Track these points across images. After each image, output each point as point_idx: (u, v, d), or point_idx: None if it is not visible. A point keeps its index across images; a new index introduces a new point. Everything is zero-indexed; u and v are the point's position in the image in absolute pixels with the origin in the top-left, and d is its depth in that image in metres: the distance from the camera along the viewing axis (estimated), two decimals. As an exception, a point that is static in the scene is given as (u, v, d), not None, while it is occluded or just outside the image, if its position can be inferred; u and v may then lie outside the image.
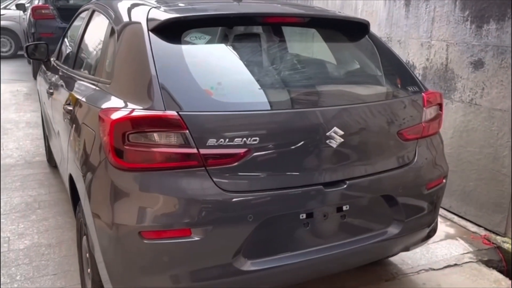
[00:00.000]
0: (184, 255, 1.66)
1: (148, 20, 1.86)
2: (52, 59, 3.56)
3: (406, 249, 2.22)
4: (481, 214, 3.10)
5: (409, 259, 2.71)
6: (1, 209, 3.26)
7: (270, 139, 1.73)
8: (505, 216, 2.92)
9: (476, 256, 2.80)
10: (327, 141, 1.79)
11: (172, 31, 1.83)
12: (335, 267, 2.04)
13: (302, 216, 1.83)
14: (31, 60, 7.24)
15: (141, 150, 1.61)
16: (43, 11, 7.30)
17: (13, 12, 10.66)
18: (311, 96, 1.97)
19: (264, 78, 1.98)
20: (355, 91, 2.09)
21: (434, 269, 2.65)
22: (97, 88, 2.05)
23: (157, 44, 1.77)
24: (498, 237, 2.96)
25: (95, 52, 2.41)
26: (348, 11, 4.38)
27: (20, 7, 9.48)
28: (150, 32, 1.80)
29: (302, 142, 1.76)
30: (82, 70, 2.56)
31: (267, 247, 1.78)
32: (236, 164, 1.67)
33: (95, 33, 2.55)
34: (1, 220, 3.12)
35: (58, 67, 3.16)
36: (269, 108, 1.82)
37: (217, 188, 1.65)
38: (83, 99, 2.09)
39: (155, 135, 1.61)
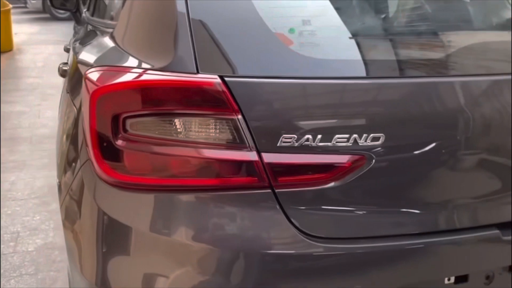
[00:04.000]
0: None
1: None
2: (84, 10, 2.87)
3: None
4: None
5: None
6: (19, 194, 2.70)
7: (404, 137, 0.86)
8: None
9: None
10: (517, 144, 0.89)
11: None
12: None
13: (449, 280, 0.97)
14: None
15: (149, 152, 0.81)
16: None
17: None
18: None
19: (392, 15, 1.07)
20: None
21: None
22: (97, 33, 1.25)
23: None
24: None
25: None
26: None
27: None
28: None
29: (467, 143, 0.88)
30: (95, 14, 1.78)
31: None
32: (334, 185, 0.83)
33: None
34: (16, 209, 2.55)
35: (84, 19, 2.44)
36: (404, 73, 0.92)
37: (294, 231, 0.83)
38: (73, 52, 1.31)
39: (176, 122, 0.80)
